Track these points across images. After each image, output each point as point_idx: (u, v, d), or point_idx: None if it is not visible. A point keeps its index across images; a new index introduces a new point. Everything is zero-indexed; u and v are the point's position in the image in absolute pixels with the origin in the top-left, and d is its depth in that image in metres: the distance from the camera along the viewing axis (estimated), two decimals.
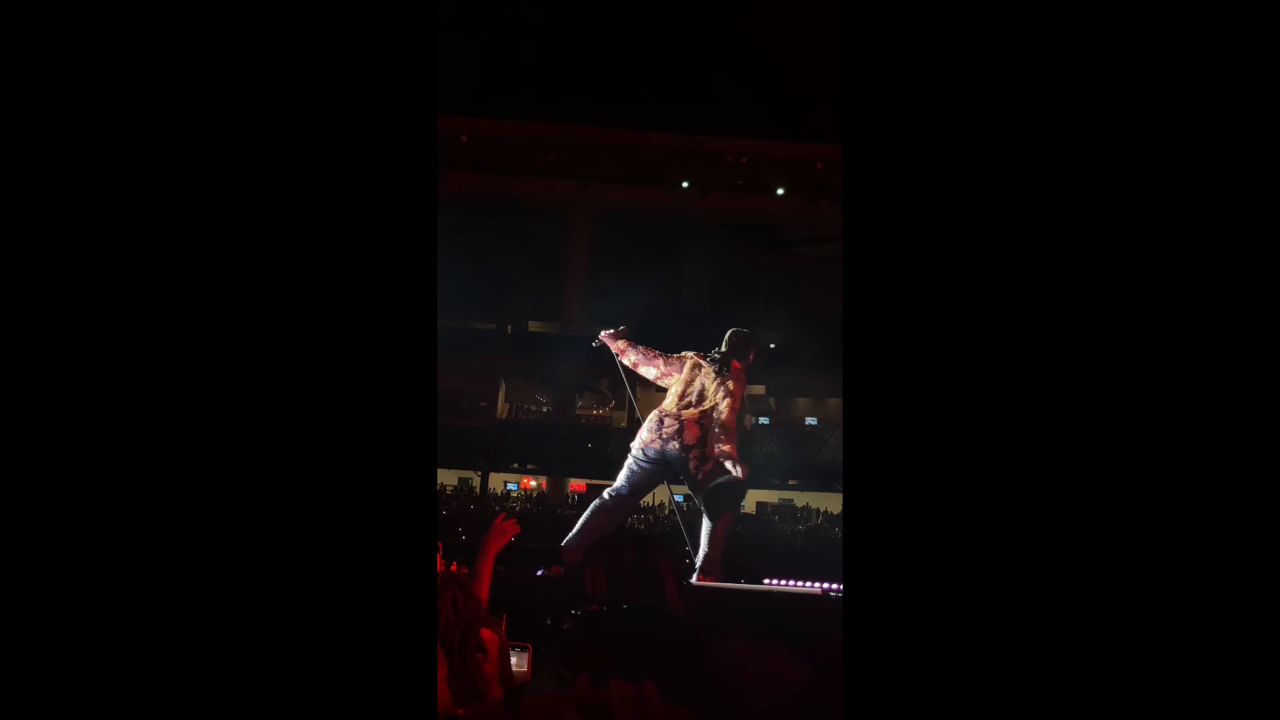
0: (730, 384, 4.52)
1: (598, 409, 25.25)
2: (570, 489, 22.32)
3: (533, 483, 23.06)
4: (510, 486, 22.86)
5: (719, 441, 4.44)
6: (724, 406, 4.46)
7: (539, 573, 4.71)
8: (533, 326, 24.74)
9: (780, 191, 20.56)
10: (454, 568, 2.43)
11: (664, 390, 4.68)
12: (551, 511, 19.16)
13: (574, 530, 4.59)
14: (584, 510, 4.82)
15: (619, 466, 4.79)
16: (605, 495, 4.64)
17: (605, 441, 22.59)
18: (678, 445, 4.45)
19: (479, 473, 22.22)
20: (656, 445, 4.48)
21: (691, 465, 4.51)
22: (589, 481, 22.62)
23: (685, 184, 21.61)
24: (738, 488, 4.58)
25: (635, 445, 4.61)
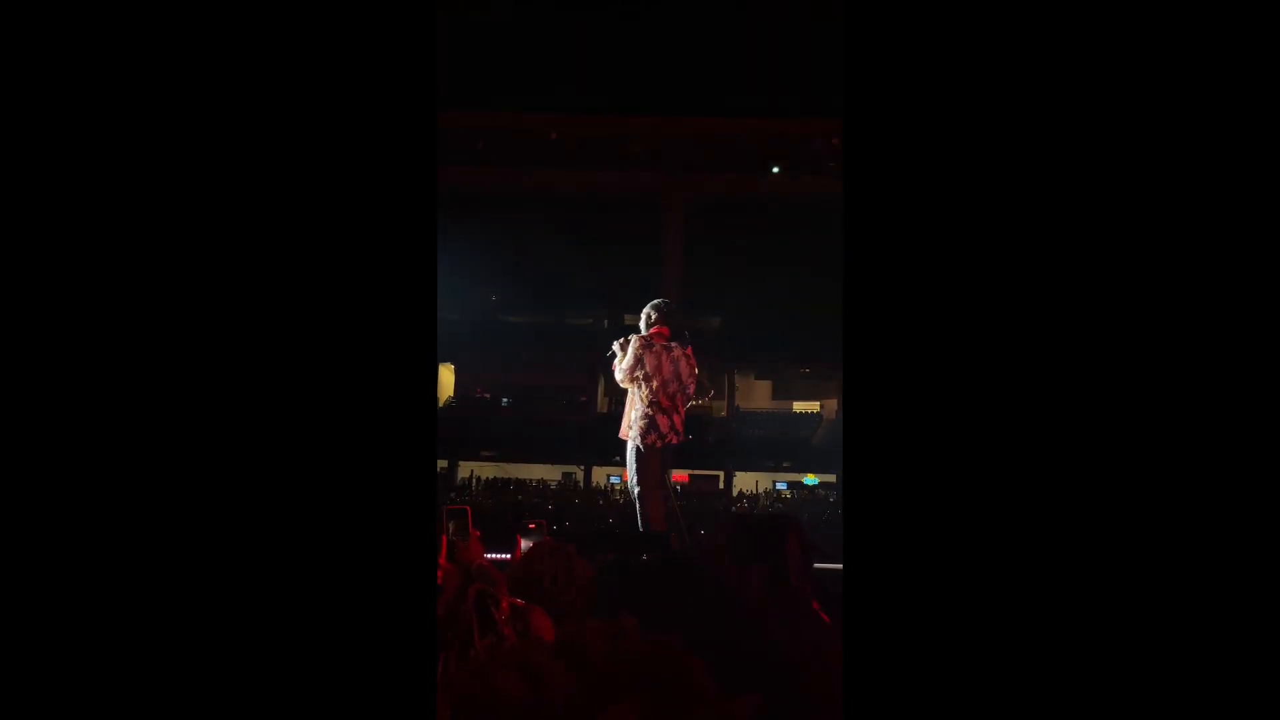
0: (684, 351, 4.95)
1: (697, 399, 25.30)
2: (672, 480, 22.40)
3: None
4: (613, 479, 23.06)
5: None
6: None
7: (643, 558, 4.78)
8: (629, 320, 24.86)
9: None
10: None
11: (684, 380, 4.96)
12: None
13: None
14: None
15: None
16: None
17: (706, 431, 22.62)
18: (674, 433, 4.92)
19: (582, 467, 22.47)
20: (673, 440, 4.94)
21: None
22: (690, 472, 22.70)
23: (776, 169, 21.42)
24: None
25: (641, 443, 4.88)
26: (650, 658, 1.17)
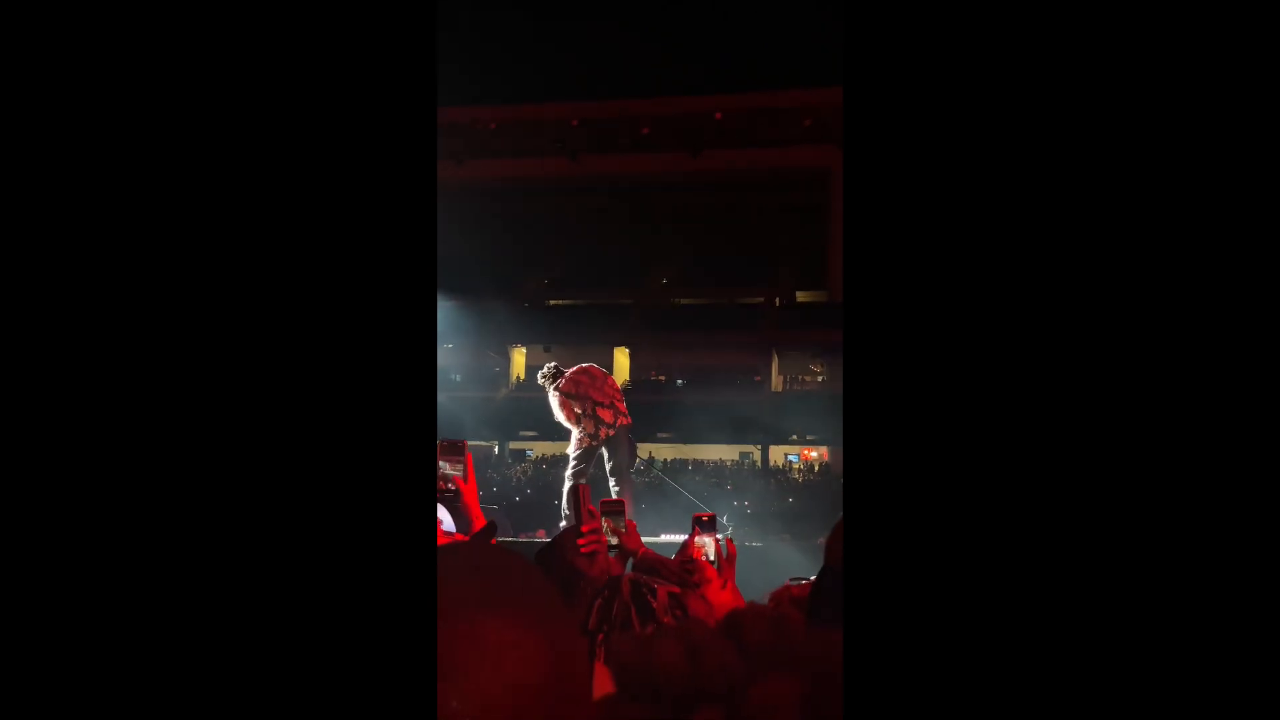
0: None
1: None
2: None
3: (813, 453, 22.98)
4: (791, 458, 22.92)
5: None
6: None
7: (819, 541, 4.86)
8: (800, 297, 24.58)
9: None
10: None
11: None
12: (833, 482, 19.01)
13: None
14: None
15: None
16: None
17: None
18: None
19: (759, 446, 22.43)
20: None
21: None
22: None
23: None
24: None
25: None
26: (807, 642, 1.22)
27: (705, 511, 2.79)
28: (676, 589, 1.91)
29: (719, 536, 2.74)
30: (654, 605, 1.81)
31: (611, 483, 6.30)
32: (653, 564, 2.30)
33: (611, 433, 6.20)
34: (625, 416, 6.28)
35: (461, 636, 0.78)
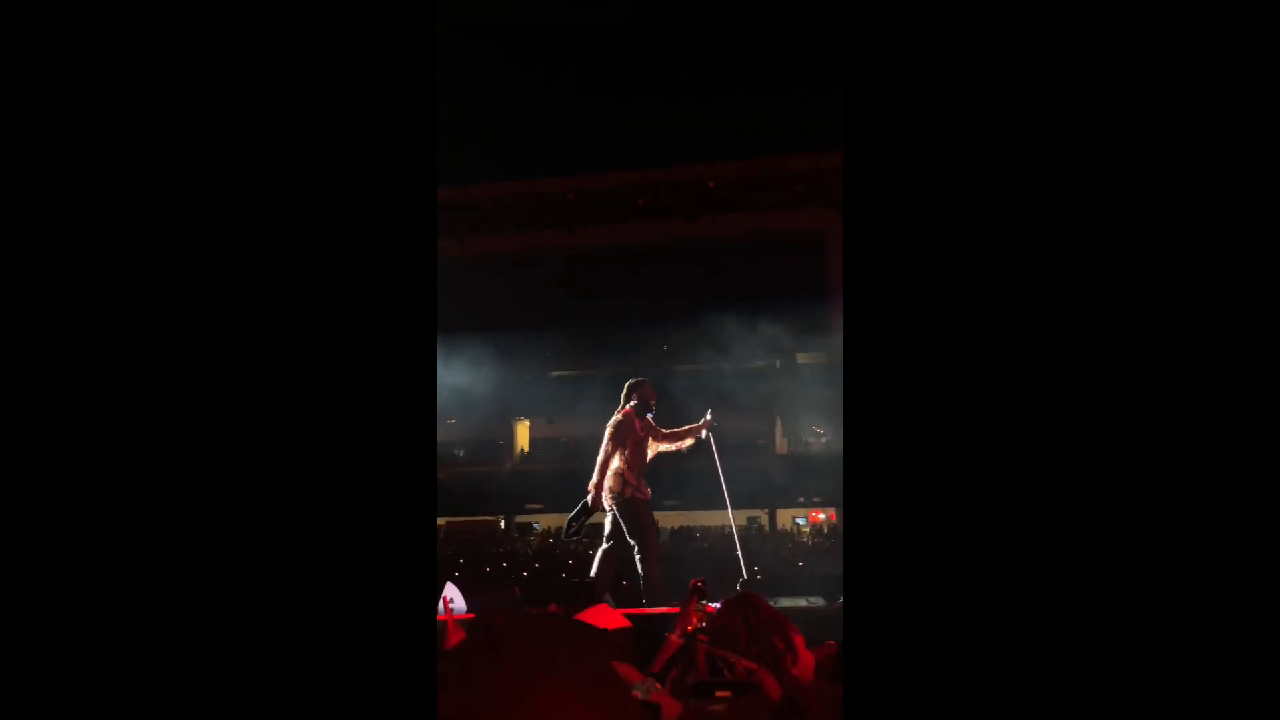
0: (612, 427, 6.00)
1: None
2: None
3: (821, 515, 22.81)
4: (799, 521, 22.75)
5: (613, 472, 5.90)
6: (607, 445, 5.91)
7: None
8: (801, 359, 24.62)
9: None
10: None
11: None
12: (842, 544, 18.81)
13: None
14: None
15: None
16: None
17: None
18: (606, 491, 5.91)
19: (765, 510, 22.27)
20: (601, 502, 6.00)
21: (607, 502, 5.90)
22: None
23: None
24: (622, 510, 5.90)
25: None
26: None
27: (699, 578, 2.87)
28: (754, 665, 1.94)
29: (714, 604, 2.77)
30: (729, 678, 1.84)
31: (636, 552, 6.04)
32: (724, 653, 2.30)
33: (600, 500, 6.05)
34: (606, 496, 6.02)
35: (526, 696, 0.82)
